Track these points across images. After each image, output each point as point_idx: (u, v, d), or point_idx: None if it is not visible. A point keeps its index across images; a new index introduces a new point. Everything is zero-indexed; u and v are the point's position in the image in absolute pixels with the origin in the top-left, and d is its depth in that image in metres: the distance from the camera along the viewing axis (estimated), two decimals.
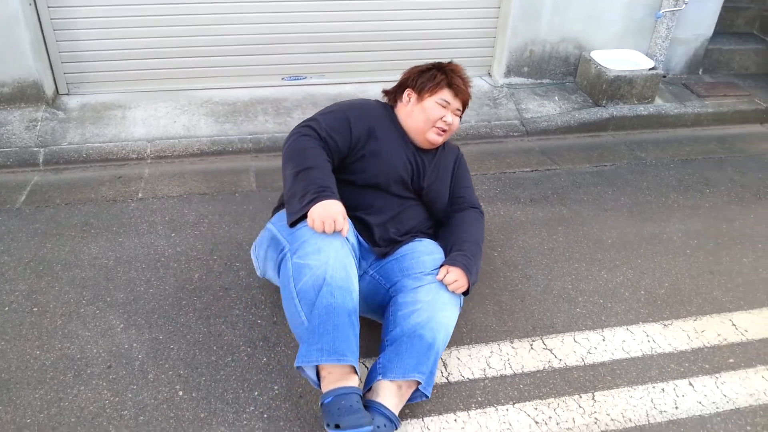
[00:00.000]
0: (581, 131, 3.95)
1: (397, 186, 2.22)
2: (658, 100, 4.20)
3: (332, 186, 2.00)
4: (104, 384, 2.00)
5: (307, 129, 2.12)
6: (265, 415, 1.93)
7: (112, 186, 3.10)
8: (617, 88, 3.99)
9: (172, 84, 3.88)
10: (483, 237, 2.31)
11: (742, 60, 4.73)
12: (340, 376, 1.81)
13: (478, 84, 4.25)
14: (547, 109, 4.03)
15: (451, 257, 2.13)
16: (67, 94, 3.75)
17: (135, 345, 2.16)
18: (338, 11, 3.89)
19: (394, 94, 2.38)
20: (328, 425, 1.73)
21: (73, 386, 1.99)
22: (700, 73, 4.66)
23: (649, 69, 4.05)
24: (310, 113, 3.73)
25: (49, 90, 3.62)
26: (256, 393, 2.00)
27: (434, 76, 2.28)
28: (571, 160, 3.63)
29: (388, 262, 2.15)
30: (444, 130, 2.27)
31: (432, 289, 2.04)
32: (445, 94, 2.26)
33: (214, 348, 2.17)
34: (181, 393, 1.99)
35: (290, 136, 2.13)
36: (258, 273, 2.30)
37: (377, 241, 2.17)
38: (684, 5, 4.05)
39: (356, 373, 1.84)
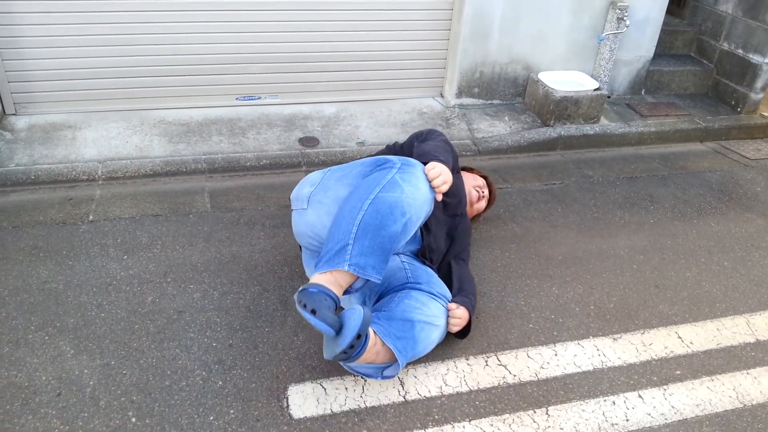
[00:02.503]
0: (531, 150, 4.05)
1: (454, 209, 2.55)
2: (603, 120, 4.34)
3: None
4: (54, 412, 1.95)
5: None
6: None
7: (62, 208, 3.03)
8: (564, 108, 4.11)
9: (123, 104, 3.83)
10: None
11: (682, 81, 4.93)
12: (335, 283, 1.93)
13: (430, 104, 4.32)
14: (498, 129, 4.12)
15: (462, 299, 2.35)
16: (14, 114, 3.67)
17: (86, 371, 2.12)
18: (291, 32, 3.91)
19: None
20: (302, 305, 1.83)
21: (21, 415, 1.93)
22: (642, 93, 4.84)
23: (594, 90, 4.19)
24: (264, 133, 3.75)
25: None
26: (211, 417, 1.98)
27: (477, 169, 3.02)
28: (521, 178, 3.72)
29: (420, 268, 2.37)
30: (481, 197, 2.86)
31: (440, 308, 2.24)
32: (480, 181, 2.95)
33: (168, 372, 2.14)
34: (134, 419, 1.95)
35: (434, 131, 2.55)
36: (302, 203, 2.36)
37: (429, 244, 2.43)
38: (625, 28, 4.20)
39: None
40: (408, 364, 2.25)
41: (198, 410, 2.00)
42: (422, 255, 2.43)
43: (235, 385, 2.11)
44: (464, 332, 2.34)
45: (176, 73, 3.84)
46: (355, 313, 1.86)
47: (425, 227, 2.40)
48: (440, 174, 2.10)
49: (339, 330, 1.84)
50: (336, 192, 2.23)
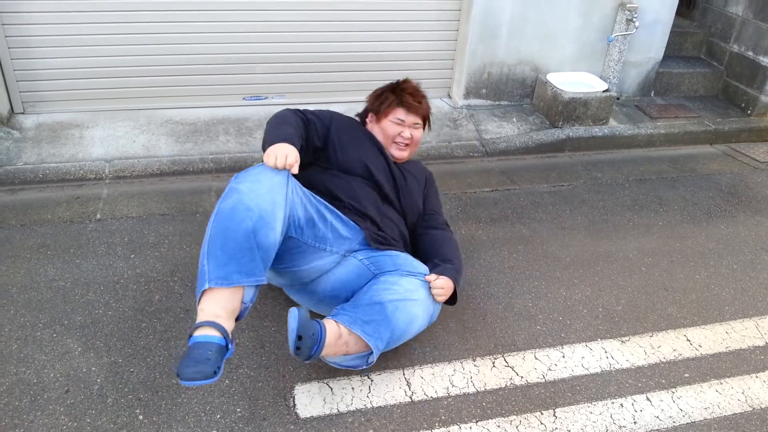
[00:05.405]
0: (539, 152, 4.04)
1: (380, 182, 2.37)
2: (612, 122, 4.32)
3: (297, 141, 2.12)
4: (62, 409, 1.96)
5: (294, 109, 2.35)
6: None
7: (70, 207, 3.04)
8: (573, 109, 4.10)
9: (131, 103, 3.84)
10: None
11: (691, 83, 4.91)
12: (217, 311, 1.80)
13: (438, 105, 4.31)
14: (506, 130, 4.11)
15: (442, 267, 2.26)
16: (22, 113, 3.68)
17: (93, 369, 2.12)
18: (298, 32, 3.91)
19: (361, 118, 2.61)
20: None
21: (30, 412, 1.94)
22: (651, 95, 4.82)
23: (603, 91, 4.18)
24: None
25: (3, 109, 3.55)
26: (218, 416, 1.98)
27: (386, 98, 2.51)
28: (529, 180, 3.70)
29: (381, 256, 2.24)
30: (406, 144, 2.49)
31: (416, 282, 2.14)
32: (399, 113, 2.47)
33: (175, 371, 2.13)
34: (141, 417, 1.95)
35: (278, 111, 2.32)
36: None
37: (369, 228, 2.26)
38: (635, 29, 4.19)
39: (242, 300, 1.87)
40: (414, 363, 2.24)
41: (205, 408, 2.00)
42: (374, 241, 2.25)
43: (241, 383, 2.11)
44: (453, 299, 2.27)
45: (183, 72, 3.85)
46: (290, 316, 1.84)
47: (356, 211, 2.27)
48: (275, 155, 1.97)
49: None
50: None
